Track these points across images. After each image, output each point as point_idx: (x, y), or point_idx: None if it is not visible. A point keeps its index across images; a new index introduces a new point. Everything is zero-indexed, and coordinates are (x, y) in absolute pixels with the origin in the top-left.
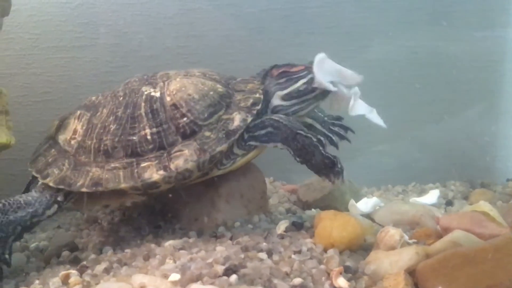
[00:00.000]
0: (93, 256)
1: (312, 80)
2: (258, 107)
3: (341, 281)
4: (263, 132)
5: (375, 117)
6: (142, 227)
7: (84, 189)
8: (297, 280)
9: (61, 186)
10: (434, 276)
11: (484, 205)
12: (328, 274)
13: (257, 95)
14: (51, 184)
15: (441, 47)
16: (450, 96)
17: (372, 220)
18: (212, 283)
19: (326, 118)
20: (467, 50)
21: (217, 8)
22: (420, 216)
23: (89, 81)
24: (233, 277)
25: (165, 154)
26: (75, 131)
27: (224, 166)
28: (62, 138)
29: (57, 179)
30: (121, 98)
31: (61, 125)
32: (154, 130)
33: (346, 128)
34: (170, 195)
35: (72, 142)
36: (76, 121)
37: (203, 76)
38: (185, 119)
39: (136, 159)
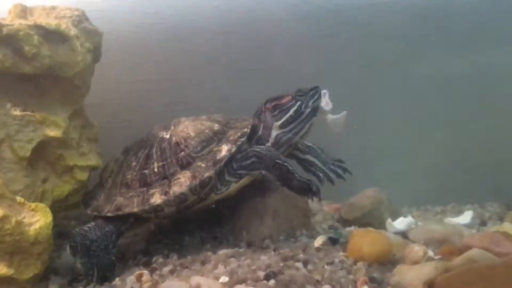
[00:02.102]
0: (161, 260)
1: (300, 106)
2: (243, 139)
3: None
4: (248, 162)
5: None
6: (202, 238)
7: (109, 214)
8: (327, 287)
9: (95, 213)
10: None
11: (508, 226)
12: (355, 283)
13: (245, 130)
14: (89, 212)
15: None
16: (494, 121)
17: (407, 237)
18: (253, 286)
19: (328, 159)
20: None
21: None
22: (449, 235)
23: (162, 110)
24: (272, 282)
25: (167, 182)
26: (111, 171)
27: (220, 191)
28: (104, 177)
29: (93, 208)
30: (144, 142)
31: (106, 167)
32: (161, 164)
33: (344, 169)
34: (224, 210)
35: (109, 179)
36: (113, 163)
37: (206, 119)
38: (183, 153)
39: (147, 188)
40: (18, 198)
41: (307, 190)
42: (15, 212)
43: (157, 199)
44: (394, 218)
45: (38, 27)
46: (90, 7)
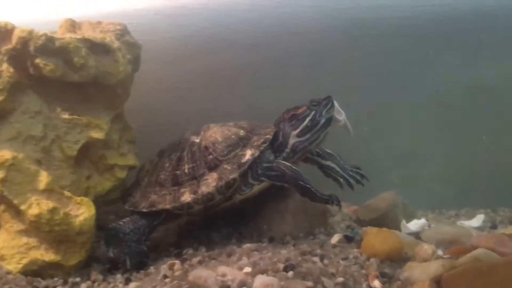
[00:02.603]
0: (191, 251)
1: (315, 115)
2: (266, 145)
3: (376, 282)
4: (273, 173)
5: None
6: (228, 233)
7: (144, 209)
8: (340, 279)
9: (132, 208)
10: (455, 285)
11: None
12: (367, 277)
13: (268, 136)
14: (126, 207)
15: None
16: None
17: (419, 238)
18: (274, 276)
19: (346, 166)
20: None
21: None
22: (459, 236)
23: (194, 115)
24: (290, 273)
25: (196, 183)
26: (147, 171)
27: (244, 192)
28: (140, 176)
29: (130, 203)
30: (177, 145)
31: (142, 167)
32: (191, 165)
33: (361, 175)
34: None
35: (145, 178)
36: (149, 164)
37: (233, 125)
38: (211, 156)
39: (178, 187)
40: (66, 193)
41: (328, 203)
42: (63, 205)
43: (187, 197)
44: (409, 220)
45: (85, 40)
46: (131, 19)
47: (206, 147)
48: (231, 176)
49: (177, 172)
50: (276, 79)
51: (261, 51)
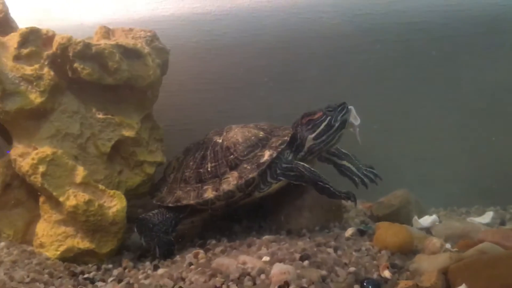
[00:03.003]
0: (214, 242)
1: (330, 120)
2: (283, 146)
3: (386, 272)
4: (292, 174)
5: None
6: (249, 226)
7: (170, 204)
8: (352, 269)
9: (159, 203)
10: (461, 276)
11: None
12: (378, 267)
13: (285, 138)
14: (154, 201)
15: None
16: None
17: (430, 233)
18: (290, 264)
19: (361, 165)
20: None
21: None
22: (468, 231)
23: (216, 115)
24: (306, 262)
25: (218, 180)
26: (173, 168)
27: (262, 190)
28: (167, 172)
29: (158, 198)
30: (201, 144)
31: (169, 164)
32: (213, 164)
33: (375, 175)
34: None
35: (171, 175)
36: (175, 161)
37: (253, 127)
38: (232, 156)
39: (201, 184)
40: (100, 186)
41: (345, 200)
42: (98, 197)
43: (209, 194)
44: (421, 216)
45: (119, 46)
46: (159, 25)
47: (228, 147)
48: (250, 175)
49: (201, 170)
50: (294, 82)
51: (280, 54)
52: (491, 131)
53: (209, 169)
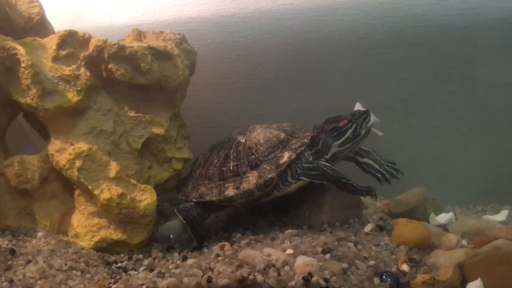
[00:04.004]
0: (239, 235)
1: (356, 128)
2: (302, 148)
3: (405, 266)
4: (313, 173)
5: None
6: (272, 221)
7: (194, 200)
8: (372, 262)
9: (184, 198)
10: (476, 270)
11: None
12: (397, 261)
13: (305, 140)
14: (179, 196)
15: None
16: None
17: (446, 230)
18: (313, 257)
19: (383, 162)
20: None
21: None
22: (484, 229)
23: (239, 114)
24: (328, 255)
25: (239, 179)
26: (199, 164)
27: (282, 189)
28: (193, 168)
29: (183, 193)
30: (226, 143)
31: (196, 161)
32: (235, 163)
33: (397, 170)
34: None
35: (197, 171)
36: (201, 158)
37: (276, 128)
38: (253, 156)
39: (223, 182)
40: (132, 180)
41: (368, 195)
42: (130, 191)
43: (230, 192)
44: (437, 213)
45: (150, 48)
46: (186, 26)
47: (250, 148)
48: (269, 176)
49: (224, 168)
50: (315, 82)
51: (301, 55)
52: (508, 130)
53: (231, 168)
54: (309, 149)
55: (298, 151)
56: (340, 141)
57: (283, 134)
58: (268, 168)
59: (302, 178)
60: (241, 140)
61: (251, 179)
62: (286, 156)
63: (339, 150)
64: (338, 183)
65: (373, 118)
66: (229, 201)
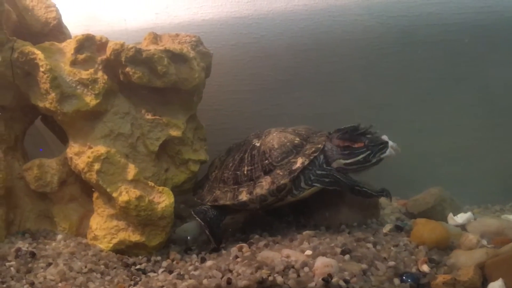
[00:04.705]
0: (257, 236)
1: (368, 155)
2: (316, 154)
3: (425, 267)
4: (327, 180)
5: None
6: (289, 222)
7: (208, 203)
8: (392, 263)
9: (199, 201)
10: (498, 271)
11: None
12: (416, 262)
13: (319, 145)
14: (195, 199)
15: None
16: None
17: (465, 230)
18: (332, 258)
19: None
20: None
21: None
22: (503, 228)
23: (254, 115)
24: (347, 256)
25: (252, 184)
26: (215, 167)
27: (295, 194)
28: (210, 170)
29: (199, 196)
30: (241, 146)
31: (213, 163)
32: (250, 168)
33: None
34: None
35: (213, 173)
36: (217, 160)
37: (291, 132)
38: (267, 161)
39: (238, 186)
40: (150, 183)
41: (382, 197)
42: (148, 193)
43: (243, 196)
44: (456, 213)
45: (167, 51)
46: (200, 29)
47: (264, 152)
48: (282, 181)
49: (238, 172)
50: (329, 82)
51: (315, 56)
52: None
53: (245, 172)
54: (322, 154)
55: (312, 157)
56: (348, 161)
57: (297, 139)
58: (281, 173)
59: (316, 184)
60: (256, 144)
61: (264, 184)
62: (299, 162)
63: (341, 168)
64: (352, 190)
65: (389, 151)
66: (243, 206)
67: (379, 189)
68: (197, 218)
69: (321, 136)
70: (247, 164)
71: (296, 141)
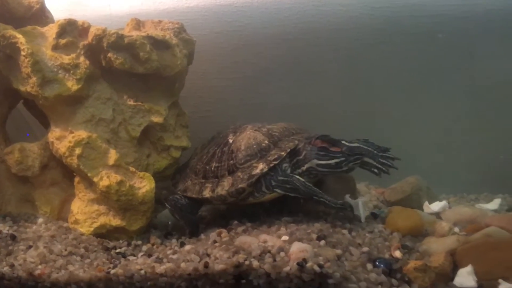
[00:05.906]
0: (236, 222)
1: (341, 162)
2: (276, 162)
3: (397, 253)
4: (288, 186)
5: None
6: (269, 208)
7: (179, 192)
8: (366, 249)
9: (173, 187)
10: (467, 257)
11: None
12: (390, 248)
13: (282, 153)
14: (171, 184)
15: None
16: None
17: (440, 218)
18: (308, 243)
19: (375, 152)
20: None
21: None
22: (476, 216)
23: (237, 103)
24: (322, 242)
25: (216, 182)
26: (196, 154)
27: (256, 197)
28: (192, 157)
29: (175, 181)
30: (217, 139)
31: (196, 150)
32: (217, 165)
33: (392, 158)
34: None
35: (192, 161)
36: (200, 148)
37: (265, 132)
38: (232, 161)
39: (205, 180)
40: (131, 168)
41: (342, 210)
42: (129, 178)
43: (207, 193)
44: (431, 202)
45: (149, 38)
46: (184, 16)
47: (232, 151)
48: (240, 185)
49: (207, 166)
50: (314, 73)
51: (300, 45)
52: (504, 120)
53: (213, 168)
54: (289, 160)
55: (272, 165)
56: (321, 163)
57: (266, 141)
58: (241, 177)
59: (276, 190)
60: (229, 140)
61: (225, 185)
62: (259, 168)
63: (313, 169)
64: (310, 199)
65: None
66: (207, 202)
67: (340, 202)
68: (167, 206)
69: (291, 142)
70: (216, 160)
71: (263, 144)
